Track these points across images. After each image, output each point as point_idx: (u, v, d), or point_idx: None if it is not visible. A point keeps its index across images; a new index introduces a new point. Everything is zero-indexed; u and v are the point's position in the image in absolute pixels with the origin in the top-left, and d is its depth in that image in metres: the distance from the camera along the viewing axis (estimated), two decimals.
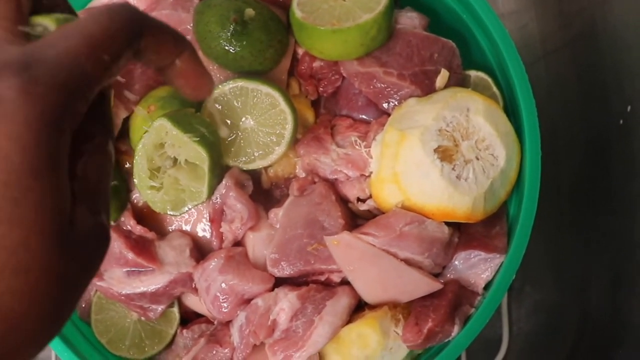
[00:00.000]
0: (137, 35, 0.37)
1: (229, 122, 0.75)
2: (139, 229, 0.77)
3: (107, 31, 0.35)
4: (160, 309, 0.79)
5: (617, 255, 0.84)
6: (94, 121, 0.38)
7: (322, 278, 0.74)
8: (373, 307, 0.73)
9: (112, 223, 0.78)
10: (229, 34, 0.72)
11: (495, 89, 0.78)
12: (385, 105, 0.75)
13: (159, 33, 0.39)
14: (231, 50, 0.73)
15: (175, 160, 0.74)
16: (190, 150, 0.71)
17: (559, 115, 0.92)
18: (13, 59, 0.33)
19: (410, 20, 0.78)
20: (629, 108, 0.80)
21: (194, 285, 0.77)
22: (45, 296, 0.33)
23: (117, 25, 0.35)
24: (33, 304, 0.33)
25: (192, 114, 0.74)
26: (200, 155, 0.71)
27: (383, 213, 0.73)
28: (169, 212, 0.75)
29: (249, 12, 0.73)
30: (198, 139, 0.71)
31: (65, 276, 0.34)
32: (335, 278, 0.73)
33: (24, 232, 0.32)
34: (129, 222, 0.78)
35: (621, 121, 0.81)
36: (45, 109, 0.32)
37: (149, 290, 0.76)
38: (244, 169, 0.76)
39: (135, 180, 0.75)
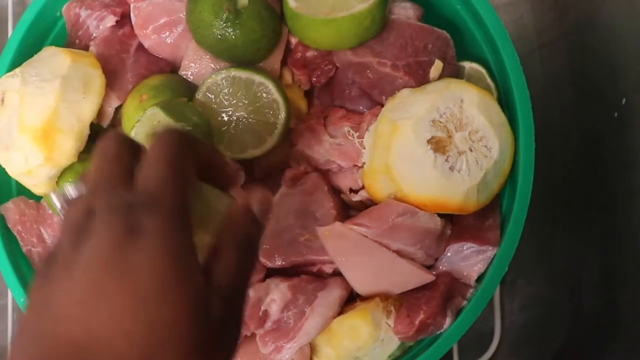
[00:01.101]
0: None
1: (221, 111, 0.75)
2: None
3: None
4: None
5: (610, 248, 0.84)
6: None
7: (314, 269, 0.73)
8: (365, 298, 0.72)
9: None
10: (222, 23, 0.72)
11: (489, 80, 0.77)
12: (378, 95, 0.74)
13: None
14: (224, 39, 0.72)
15: None
16: None
17: (553, 108, 0.92)
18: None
19: (404, 10, 0.77)
20: (623, 101, 0.79)
21: None
22: None
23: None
24: None
25: (185, 103, 0.73)
26: None
27: (376, 204, 0.73)
28: None
29: (243, 1, 0.72)
30: (190, 128, 0.70)
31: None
32: (327, 269, 0.73)
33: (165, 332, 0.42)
34: None
35: (616, 114, 0.81)
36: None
37: None
38: (237, 158, 0.76)
39: None
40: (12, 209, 0.80)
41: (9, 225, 0.80)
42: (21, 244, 0.81)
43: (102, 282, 0.42)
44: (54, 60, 0.75)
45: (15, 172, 0.75)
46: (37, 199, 0.81)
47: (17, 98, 0.72)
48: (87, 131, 0.75)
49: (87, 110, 0.74)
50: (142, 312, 0.42)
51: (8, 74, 0.76)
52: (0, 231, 0.80)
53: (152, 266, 0.43)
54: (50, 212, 0.80)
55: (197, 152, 0.51)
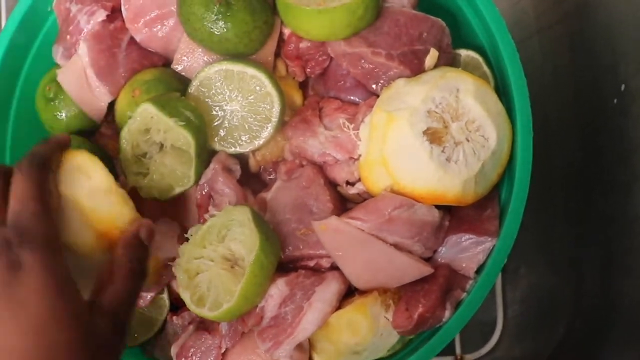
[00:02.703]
0: None
1: (214, 105, 0.74)
2: None
3: None
4: (149, 296, 0.78)
5: (610, 236, 0.83)
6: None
7: (311, 263, 0.72)
8: (363, 292, 0.72)
9: None
10: (213, 15, 0.71)
11: (485, 68, 0.76)
12: (373, 86, 0.73)
13: None
14: (216, 32, 0.71)
15: (161, 145, 0.73)
16: (176, 134, 0.70)
17: (552, 95, 0.91)
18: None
19: None
20: (622, 87, 0.78)
21: None
22: None
23: None
24: None
25: (178, 97, 0.73)
26: (186, 140, 0.70)
27: (373, 197, 0.72)
28: (156, 197, 0.74)
29: None
30: (184, 123, 0.70)
31: None
32: (325, 263, 0.72)
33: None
34: None
35: (615, 100, 0.80)
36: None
37: None
38: (231, 152, 0.75)
39: (121, 165, 0.74)
40: None
41: None
42: None
43: None
44: None
45: None
46: None
47: None
48: None
49: None
50: (35, 337, 0.49)
51: None
52: None
53: (38, 298, 0.50)
54: None
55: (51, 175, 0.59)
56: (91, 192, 0.63)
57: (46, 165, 0.59)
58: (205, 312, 0.66)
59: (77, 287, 0.53)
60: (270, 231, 0.69)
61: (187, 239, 0.71)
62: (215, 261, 0.67)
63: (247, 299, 0.66)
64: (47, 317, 0.50)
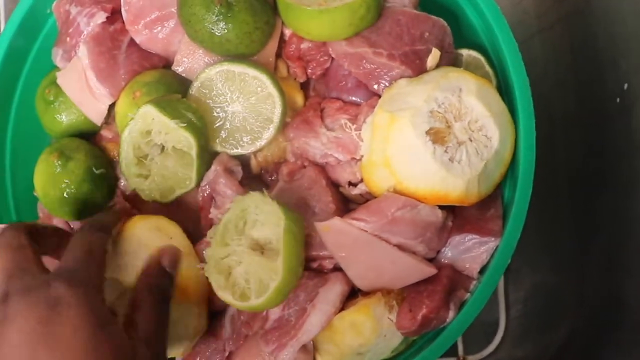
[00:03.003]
0: None
1: (216, 106, 0.74)
2: None
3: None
4: None
5: (613, 235, 0.83)
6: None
7: (314, 265, 0.72)
8: (366, 293, 0.71)
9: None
10: (213, 16, 0.71)
11: (487, 67, 0.76)
12: (375, 86, 0.73)
13: None
14: (217, 33, 0.71)
15: (162, 147, 0.73)
16: (178, 136, 0.70)
17: (554, 94, 0.91)
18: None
19: None
20: (625, 86, 0.78)
21: None
22: None
23: None
24: None
25: (179, 99, 0.73)
26: (187, 142, 0.70)
27: (375, 197, 0.72)
28: (157, 200, 0.74)
29: None
30: (185, 124, 0.69)
31: None
32: (328, 265, 0.72)
33: None
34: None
35: (618, 99, 0.80)
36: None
37: None
38: (233, 154, 0.75)
39: (122, 168, 0.74)
40: None
41: None
42: None
43: (37, 355, 0.49)
44: None
45: None
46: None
47: None
48: None
49: None
50: None
51: None
52: None
53: (79, 334, 0.51)
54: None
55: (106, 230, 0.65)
56: None
57: (103, 228, 0.65)
58: (254, 303, 0.65)
59: (118, 323, 0.56)
60: (286, 204, 0.68)
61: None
62: (243, 253, 0.66)
63: (292, 270, 0.65)
64: (89, 351, 0.51)
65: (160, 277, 0.64)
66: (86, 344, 0.51)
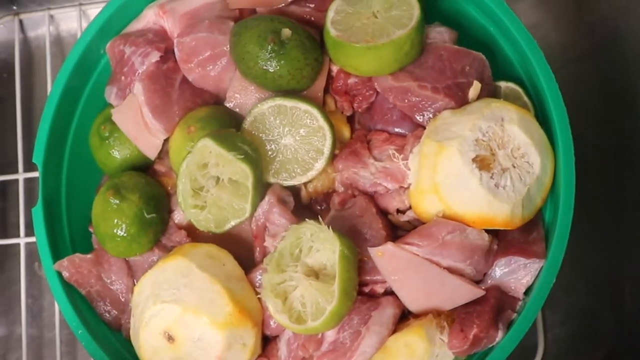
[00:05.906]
0: None
1: (268, 140, 0.77)
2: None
3: None
4: None
5: None
6: None
7: (367, 289, 0.75)
8: (417, 316, 0.74)
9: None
10: (267, 54, 0.74)
11: (525, 98, 0.80)
12: (419, 118, 0.76)
13: None
14: (270, 69, 0.75)
15: (217, 179, 0.75)
16: (235, 168, 0.73)
17: (584, 122, 0.93)
18: None
19: (439, 34, 0.80)
20: None
21: None
22: None
23: None
24: None
25: (234, 133, 0.75)
26: (244, 173, 0.73)
27: (423, 223, 0.75)
28: (213, 230, 0.76)
29: (286, 32, 0.75)
30: (242, 156, 0.72)
31: None
32: (379, 289, 0.74)
33: None
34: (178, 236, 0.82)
35: None
36: None
37: None
38: (285, 185, 0.78)
39: (179, 200, 0.76)
40: (67, 266, 0.82)
41: (67, 279, 0.82)
42: (79, 289, 0.83)
43: None
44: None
45: None
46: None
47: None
48: None
49: None
50: None
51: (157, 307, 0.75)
52: (60, 280, 0.83)
53: None
54: (107, 256, 0.83)
55: None
56: (228, 276, 0.75)
57: None
58: (310, 325, 0.67)
59: None
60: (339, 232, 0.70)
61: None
62: (300, 279, 0.69)
63: (347, 294, 0.68)
64: None
65: None
66: None
